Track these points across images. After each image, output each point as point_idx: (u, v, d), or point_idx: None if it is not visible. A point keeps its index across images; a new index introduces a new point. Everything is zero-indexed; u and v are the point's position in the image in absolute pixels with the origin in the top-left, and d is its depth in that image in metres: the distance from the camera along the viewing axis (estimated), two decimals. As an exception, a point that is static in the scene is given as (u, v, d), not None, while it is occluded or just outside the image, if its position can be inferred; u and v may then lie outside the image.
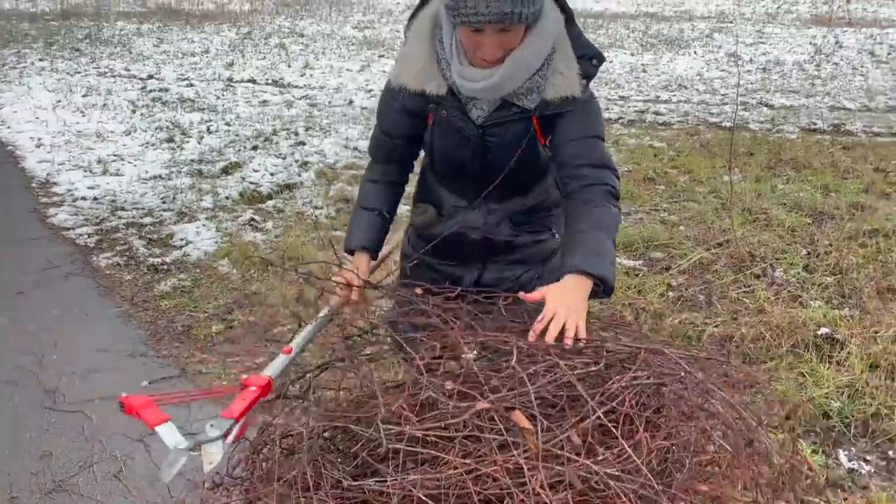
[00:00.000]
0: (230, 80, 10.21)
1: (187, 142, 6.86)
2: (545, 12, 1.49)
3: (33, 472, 2.58)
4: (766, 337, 3.29)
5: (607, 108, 8.42)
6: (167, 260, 4.35)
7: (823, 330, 3.32)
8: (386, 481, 1.24)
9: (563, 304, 1.38)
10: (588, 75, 1.59)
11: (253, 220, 4.94)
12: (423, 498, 1.19)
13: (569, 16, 1.58)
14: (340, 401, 1.55)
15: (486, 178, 1.72)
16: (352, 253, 1.83)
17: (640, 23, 17.31)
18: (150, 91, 9.26)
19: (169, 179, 5.82)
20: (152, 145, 6.77)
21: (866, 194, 5.28)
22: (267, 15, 18.67)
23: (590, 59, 1.58)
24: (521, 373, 1.31)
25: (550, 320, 1.37)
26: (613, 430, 1.25)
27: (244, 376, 1.49)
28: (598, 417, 1.25)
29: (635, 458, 1.21)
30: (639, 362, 1.36)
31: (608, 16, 19.05)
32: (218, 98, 8.95)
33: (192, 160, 6.30)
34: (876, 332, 3.31)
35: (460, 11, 1.41)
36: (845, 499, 2.47)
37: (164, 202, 5.31)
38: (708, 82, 9.98)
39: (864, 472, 2.59)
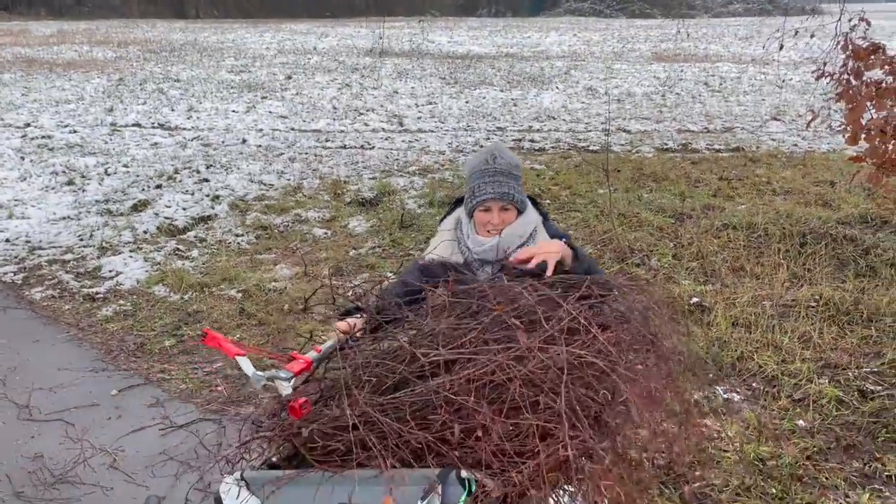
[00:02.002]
0: (114, 124, 10.18)
1: (88, 184, 6.92)
2: (529, 207, 2.24)
3: (30, 470, 2.79)
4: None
5: (488, 138, 9.18)
6: (101, 289, 4.53)
7: (694, 300, 4.06)
8: (414, 390, 1.70)
9: (543, 246, 2.02)
10: None
11: (178, 249, 5.18)
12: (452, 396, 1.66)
13: (544, 217, 2.31)
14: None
15: None
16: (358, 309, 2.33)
17: (504, 62, 18.58)
18: (33, 138, 9.12)
19: (79, 219, 5.91)
20: (52, 188, 6.78)
21: (715, 198, 6.25)
22: (135, 61, 18.43)
23: (560, 238, 2.26)
24: (513, 291, 1.85)
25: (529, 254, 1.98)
26: (579, 329, 1.79)
27: (293, 350, 1.89)
28: (571, 319, 1.79)
29: (604, 342, 1.74)
30: (583, 287, 1.93)
31: (472, 56, 20.27)
32: (106, 142, 8.96)
33: (97, 200, 6.40)
34: (734, 300, 4.09)
35: (476, 195, 2.15)
36: (725, 420, 3.14)
37: (81, 239, 5.43)
38: (572, 112, 11.04)
39: (736, 400, 3.29)
